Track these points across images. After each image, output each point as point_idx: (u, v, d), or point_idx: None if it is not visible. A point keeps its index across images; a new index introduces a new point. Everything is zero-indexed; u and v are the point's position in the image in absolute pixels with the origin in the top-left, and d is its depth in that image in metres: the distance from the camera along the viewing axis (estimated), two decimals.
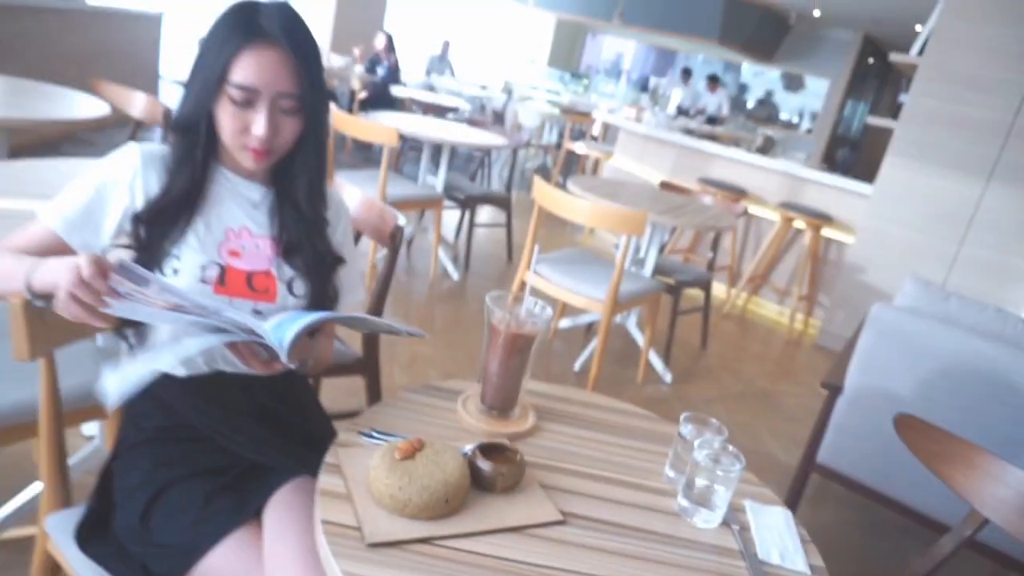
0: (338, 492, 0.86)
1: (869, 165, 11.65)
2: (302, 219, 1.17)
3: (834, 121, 11.81)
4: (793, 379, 3.85)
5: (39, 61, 4.54)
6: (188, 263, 1.08)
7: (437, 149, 4.04)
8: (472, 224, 4.24)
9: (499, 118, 8.95)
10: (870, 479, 2.08)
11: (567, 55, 14.55)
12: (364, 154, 7.29)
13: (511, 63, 13.52)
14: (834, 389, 2.14)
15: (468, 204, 4.15)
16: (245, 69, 1.02)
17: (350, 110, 8.68)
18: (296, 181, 1.16)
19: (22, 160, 1.80)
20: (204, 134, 1.09)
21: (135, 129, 2.91)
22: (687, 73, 11.00)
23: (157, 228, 1.08)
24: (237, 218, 1.15)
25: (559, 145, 8.44)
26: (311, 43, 1.08)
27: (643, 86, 13.00)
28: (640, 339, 3.42)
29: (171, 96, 7.68)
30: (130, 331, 1.13)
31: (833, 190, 4.50)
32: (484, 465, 0.87)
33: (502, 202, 4.37)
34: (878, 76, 13.18)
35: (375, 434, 0.94)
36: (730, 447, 0.92)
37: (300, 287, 1.16)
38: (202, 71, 1.06)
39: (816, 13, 10.28)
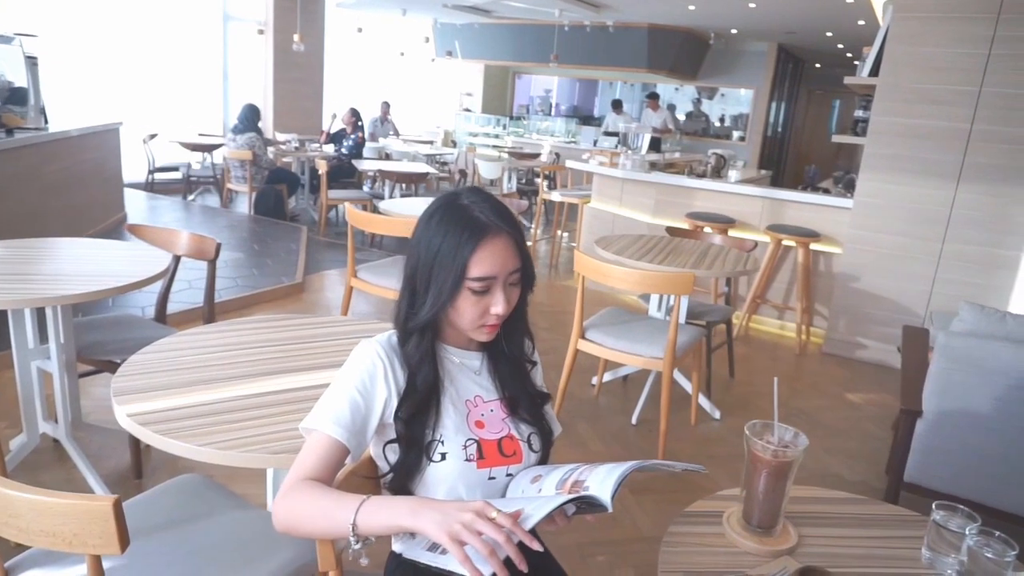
0: None
1: (796, 161, 12.30)
2: (515, 370, 1.27)
3: (763, 126, 12.49)
4: (820, 392, 4.07)
5: (27, 200, 4.47)
6: (452, 446, 1.16)
7: None
8: None
9: (463, 174, 9.13)
10: (965, 492, 2.26)
11: (498, 99, 14.89)
12: (360, 237, 7.00)
13: (445, 113, 13.75)
14: (913, 414, 2.33)
15: None
16: (482, 263, 1.12)
17: (315, 187, 8.66)
18: (509, 337, 1.26)
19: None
20: (432, 327, 1.18)
21: (176, 264, 2.92)
22: (618, 104, 11.44)
23: (418, 423, 1.16)
24: (470, 389, 1.24)
25: (520, 191, 8.65)
26: (511, 213, 1.18)
27: (579, 118, 13.40)
28: (686, 384, 3.58)
29: (134, 201, 7.48)
30: None
31: (814, 207, 4.81)
32: None
33: None
34: (792, 77, 14.02)
35: None
36: (996, 532, 1.07)
37: (536, 441, 1.25)
38: (438, 277, 1.13)
39: (733, 31, 10.89)
